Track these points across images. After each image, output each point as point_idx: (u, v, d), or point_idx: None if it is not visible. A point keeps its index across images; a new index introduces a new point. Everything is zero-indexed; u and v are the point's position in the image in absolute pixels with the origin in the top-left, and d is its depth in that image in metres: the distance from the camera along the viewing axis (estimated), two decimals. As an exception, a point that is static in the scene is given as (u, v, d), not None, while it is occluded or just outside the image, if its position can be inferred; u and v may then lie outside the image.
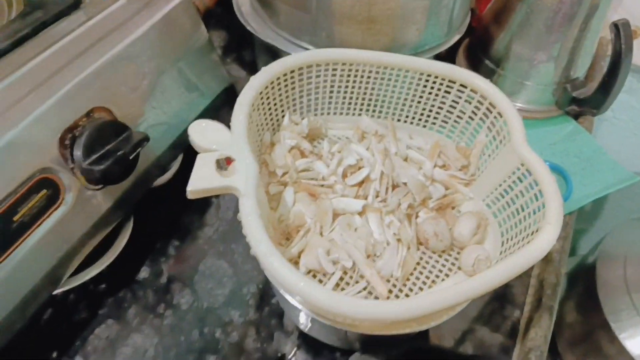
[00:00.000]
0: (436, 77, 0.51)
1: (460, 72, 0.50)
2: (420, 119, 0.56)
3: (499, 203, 0.48)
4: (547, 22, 0.64)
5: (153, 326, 0.53)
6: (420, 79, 0.52)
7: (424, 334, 0.53)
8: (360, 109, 0.56)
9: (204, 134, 0.42)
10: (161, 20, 0.53)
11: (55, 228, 0.46)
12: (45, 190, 0.43)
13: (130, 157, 0.48)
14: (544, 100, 0.74)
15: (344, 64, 0.51)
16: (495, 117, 0.49)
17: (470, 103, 0.51)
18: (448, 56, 0.79)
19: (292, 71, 0.50)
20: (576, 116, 0.74)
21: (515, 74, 0.72)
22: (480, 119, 0.51)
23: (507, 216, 0.47)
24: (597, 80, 0.68)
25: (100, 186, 0.49)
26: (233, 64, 0.82)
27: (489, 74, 0.74)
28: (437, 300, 0.34)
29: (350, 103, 0.55)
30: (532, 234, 0.42)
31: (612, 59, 0.64)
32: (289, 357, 0.52)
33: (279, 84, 0.49)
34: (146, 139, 0.49)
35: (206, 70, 0.62)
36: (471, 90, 0.51)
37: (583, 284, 0.91)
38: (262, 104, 0.48)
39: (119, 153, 0.47)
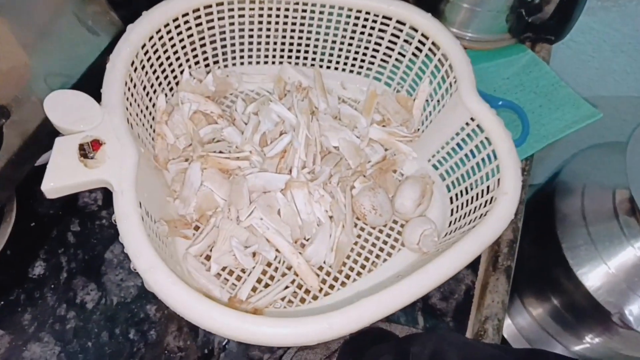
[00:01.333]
0: (367, 13, 0.42)
1: (396, 6, 0.41)
2: (354, 65, 0.47)
3: (447, 164, 0.41)
4: None
5: (54, 332, 0.45)
6: (349, 16, 0.42)
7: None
8: (281, 56, 0.46)
9: (66, 109, 0.32)
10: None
11: None
12: None
13: (-15, 140, 0.38)
14: (497, 28, 0.65)
15: (252, 1, 0.41)
16: (439, 60, 0.41)
17: (409, 43, 0.42)
18: None
19: (185, 14, 0.39)
20: (532, 44, 0.66)
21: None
22: (423, 62, 0.43)
23: (457, 179, 0.40)
24: (554, 3, 0.60)
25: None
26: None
27: (436, 2, 0.64)
28: (366, 313, 0.27)
29: (267, 49, 0.45)
30: (486, 203, 0.35)
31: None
32: (218, 352, 0.46)
33: (168, 32, 0.39)
34: (4, 114, 0.38)
35: (93, 16, 0.50)
36: (410, 27, 0.41)
37: (540, 216, 0.87)
38: (149, 59, 0.38)
39: (-33, 136, 0.36)
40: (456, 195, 0.40)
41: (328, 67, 0.47)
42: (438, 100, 0.41)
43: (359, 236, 0.40)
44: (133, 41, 0.35)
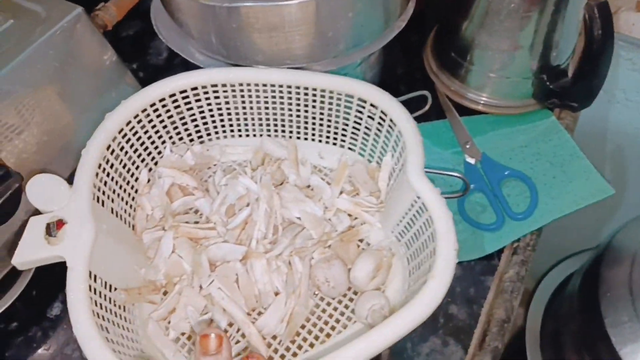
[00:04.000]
0: (331, 92, 0.44)
1: (357, 85, 0.43)
2: (329, 136, 0.49)
3: (406, 236, 0.41)
4: (510, 6, 0.54)
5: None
6: (315, 95, 0.45)
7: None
8: (261, 129, 0.49)
9: (42, 191, 0.37)
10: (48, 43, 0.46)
11: None
12: None
13: (-1, 202, 0.43)
14: (520, 93, 0.61)
15: (224, 85, 0.45)
16: (397, 136, 0.42)
17: (373, 119, 0.44)
18: (416, 48, 0.69)
19: (162, 99, 0.44)
20: (560, 111, 0.63)
21: (483, 66, 0.61)
22: (385, 137, 0.44)
23: (413, 253, 0.40)
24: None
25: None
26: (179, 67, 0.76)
27: (456, 67, 0.63)
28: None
29: (247, 124, 0.49)
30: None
31: (587, 46, 0.53)
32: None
33: (147, 115, 0.43)
34: (18, 180, 0.44)
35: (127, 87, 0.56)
36: (371, 105, 0.43)
37: (586, 285, 0.81)
38: (128, 140, 0.43)
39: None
40: (412, 269, 0.40)
41: (306, 139, 0.49)
42: (397, 174, 0.42)
43: (317, 306, 0.42)
44: (109, 128, 0.40)
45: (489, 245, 0.50)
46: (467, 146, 0.56)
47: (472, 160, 0.55)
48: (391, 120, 0.42)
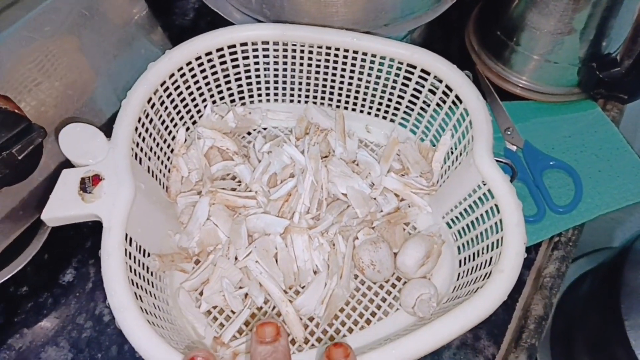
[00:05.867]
0: (391, 60, 0.40)
1: (420, 55, 0.39)
2: (379, 109, 0.45)
3: (460, 224, 0.39)
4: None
5: (70, 339, 0.47)
6: (373, 62, 0.41)
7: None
8: (307, 96, 0.46)
9: (77, 142, 0.34)
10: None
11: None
12: None
13: (20, 157, 0.41)
14: (565, 80, 0.58)
15: (276, 42, 0.41)
16: (461, 115, 0.38)
17: (434, 93, 0.40)
18: (456, 26, 0.65)
19: (209, 53, 0.40)
20: (605, 102, 0.60)
21: (530, 49, 0.57)
22: (447, 114, 0.40)
23: (467, 242, 0.37)
24: (631, 59, 0.53)
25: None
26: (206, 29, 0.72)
27: (500, 48, 0.59)
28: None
29: (292, 89, 0.45)
30: (485, 277, 0.32)
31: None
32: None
33: (191, 69, 0.40)
34: (41, 135, 0.41)
35: (154, 43, 0.52)
36: (435, 78, 0.40)
37: (607, 285, 0.79)
38: (169, 95, 0.40)
39: (4, 153, 0.40)
40: (464, 259, 0.37)
41: (353, 110, 0.46)
42: (457, 156, 0.39)
43: (357, 290, 0.39)
44: (151, 80, 0.37)
45: (528, 238, 0.48)
46: (508, 132, 0.53)
47: (513, 148, 0.52)
48: (456, 97, 0.38)
